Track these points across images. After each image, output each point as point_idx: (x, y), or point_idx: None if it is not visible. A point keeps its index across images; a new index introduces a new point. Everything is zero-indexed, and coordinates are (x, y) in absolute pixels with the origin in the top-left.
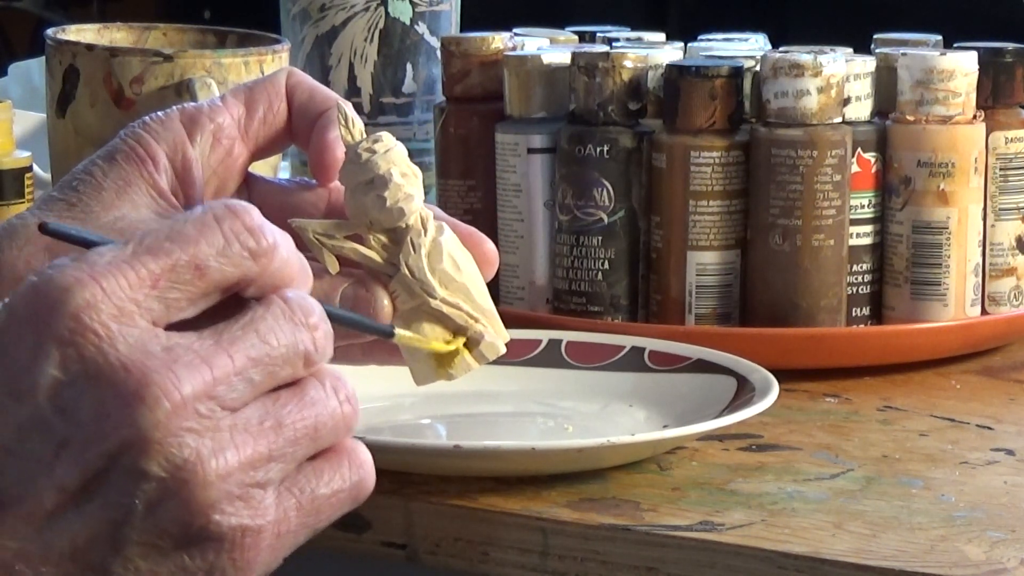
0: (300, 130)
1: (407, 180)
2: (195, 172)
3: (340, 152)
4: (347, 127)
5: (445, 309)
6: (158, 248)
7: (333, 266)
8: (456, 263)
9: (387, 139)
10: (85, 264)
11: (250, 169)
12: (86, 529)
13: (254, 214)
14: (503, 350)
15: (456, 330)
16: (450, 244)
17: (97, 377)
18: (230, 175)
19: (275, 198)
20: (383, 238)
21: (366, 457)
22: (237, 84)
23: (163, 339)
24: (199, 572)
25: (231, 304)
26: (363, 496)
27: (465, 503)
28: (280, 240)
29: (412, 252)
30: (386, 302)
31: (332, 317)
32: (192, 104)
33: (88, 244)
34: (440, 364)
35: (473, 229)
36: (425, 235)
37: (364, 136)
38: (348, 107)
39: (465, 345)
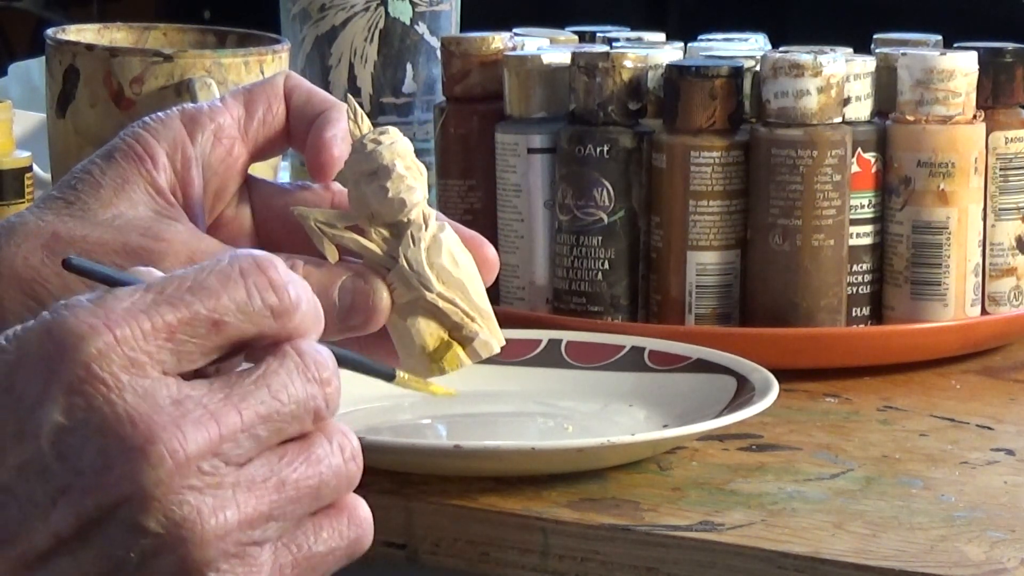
0: (297, 132)
1: (411, 173)
2: (194, 171)
3: (337, 151)
4: (355, 121)
5: (441, 304)
6: (178, 299)
7: (333, 255)
8: (455, 260)
9: (393, 132)
10: (101, 310)
11: (250, 171)
12: (78, 574)
13: (280, 269)
14: (497, 349)
15: (451, 327)
16: (450, 241)
17: (102, 428)
18: (230, 175)
19: (276, 200)
20: (384, 231)
21: (366, 514)
22: (237, 84)
23: (173, 391)
24: None
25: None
26: (360, 552)
27: (465, 503)
28: (303, 295)
29: (412, 245)
30: (384, 294)
31: (338, 360)
32: (192, 104)
33: (112, 282)
34: (432, 359)
35: (475, 233)
36: (426, 230)
37: (367, 124)
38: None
39: (459, 342)
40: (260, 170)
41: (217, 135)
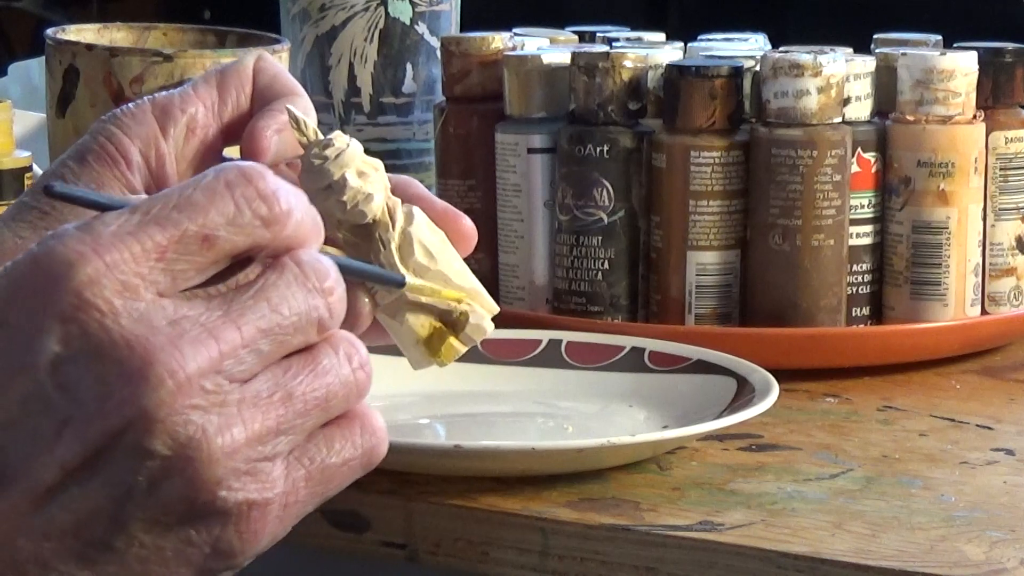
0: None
1: (364, 179)
2: (168, 168)
3: (265, 143)
4: (300, 129)
5: (423, 299)
6: (165, 218)
7: None
8: (429, 251)
9: (339, 140)
10: (89, 236)
11: (225, 153)
12: (88, 505)
13: (268, 178)
14: (490, 328)
15: (440, 314)
16: (420, 232)
17: (100, 354)
18: (204, 163)
19: None
20: (353, 236)
21: (379, 423)
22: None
23: (170, 311)
24: (204, 546)
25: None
26: (375, 462)
27: (465, 503)
28: (295, 203)
29: (382, 248)
30: (365, 299)
31: (344, 269)
32: (163, 94)
33: (98, 206)
34: (429, 350)
35: (447, 206)
36: (393, 228)
37: (318, 135)
38: (303, 106)
39: (452, 327)
40: (234, 153)
41: (190, 127)
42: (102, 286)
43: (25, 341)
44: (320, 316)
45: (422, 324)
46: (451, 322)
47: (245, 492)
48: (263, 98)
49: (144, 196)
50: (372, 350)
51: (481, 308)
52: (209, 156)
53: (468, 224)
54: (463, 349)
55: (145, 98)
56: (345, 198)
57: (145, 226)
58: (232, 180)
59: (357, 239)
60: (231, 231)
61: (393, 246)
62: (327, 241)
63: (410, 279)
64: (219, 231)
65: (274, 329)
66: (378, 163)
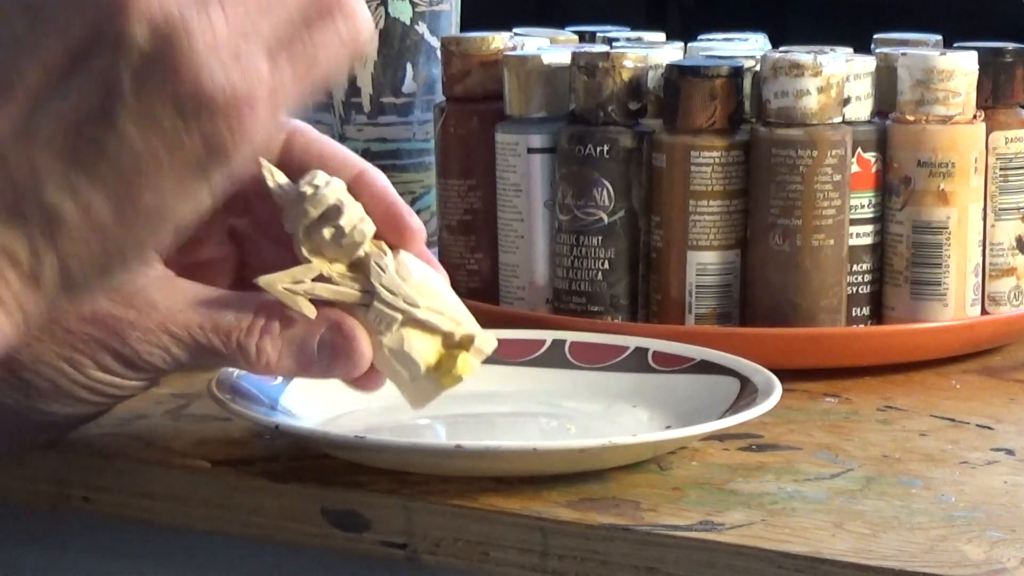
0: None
1: (357, 204)
2: None
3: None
4: (273, 177)
5: (433, 317)
6: None
7: (311, 311)
8: (424, 272)
9: (322, 173)
10: None
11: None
12: (75, 105)
13: None
14: (495, 343)
15: (444, 336)
16: (410, 257)
17: None
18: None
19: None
20: (346, 272)
21: (360, 8)
22: None
23: None
24: (196, 139)
25: None
26: (361, 43)
27: (465, 503)
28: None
29: (382, 272)
30: (363, 337)
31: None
32: None
33: None
34: (441, 374)
35: (395, 203)
36: (386, 255)
37: (285, 179)
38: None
39: (459, 348)
40: None
41: None
42: None
43: None
44: None
45: (429, 347)
46: (455, 344)
47: (230, 80)
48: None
49: None
50: None
51: (480, 335)
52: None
53: (414, 223)
54: (478, 362)
55: None
56: (343, 221)
57: None
58: None
59: (352, 272)
60: None
61: (392, 268)
62: (322, 280)
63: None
64: None
65: None
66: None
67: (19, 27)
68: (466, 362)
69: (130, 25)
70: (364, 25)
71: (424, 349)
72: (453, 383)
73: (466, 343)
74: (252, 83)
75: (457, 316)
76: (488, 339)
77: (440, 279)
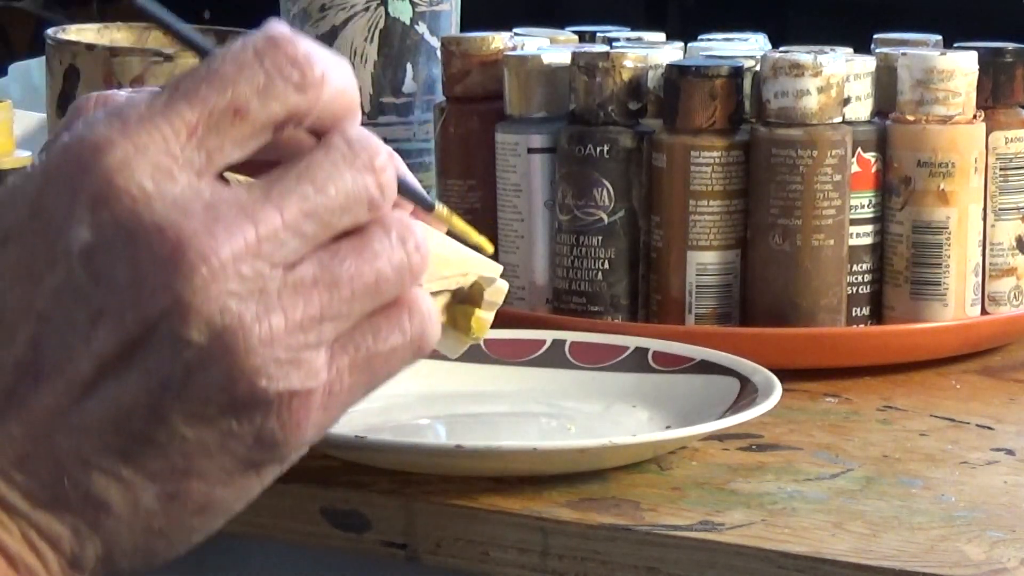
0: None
1: None
2: None
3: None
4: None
5: (436, 284)
6: (193, 94)
7: None
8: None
9: None
10: (117, 120)
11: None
12: (126, 398)
13: (299, 43)
14: (504, 286)
15: (454, 296)
16: None
17: (132, 241)
18: None
19: None
20: None
21: (428, 307)
22: None
23: (206, 194)
24: (247, 436)
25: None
26: (426, 349)
27: (465, 503)
28: (331, 69)
29: None
30: (430, 298)
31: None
32: None
33: (176, 33)
34: (459, 330)
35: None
36: None
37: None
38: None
39: (472, 302)
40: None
41: None
42: (132, 170)
43: (57, 230)
44: (370, 195)
45: (440, 312)
46: (466, 297)
47: (286, 381)
48: None
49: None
50: None
51: (488, 272)
52: None
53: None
54: (491, 316)
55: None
56: None
57: (173, 105)
58: (261, 48)
59: None
60: (263, 100)
61: None
62: None
63: (439, 205)
64: (251, 102)
65: (318, 210)
66: None
67: (78, 317)
68: (479, 321)
69: (189, 329)
70: (432, 327)
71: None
72: (475, 339)
73: (476, 296)
74: (307, 382)
75: (462, 266)
76: (498, 289)
77: (435, 234)
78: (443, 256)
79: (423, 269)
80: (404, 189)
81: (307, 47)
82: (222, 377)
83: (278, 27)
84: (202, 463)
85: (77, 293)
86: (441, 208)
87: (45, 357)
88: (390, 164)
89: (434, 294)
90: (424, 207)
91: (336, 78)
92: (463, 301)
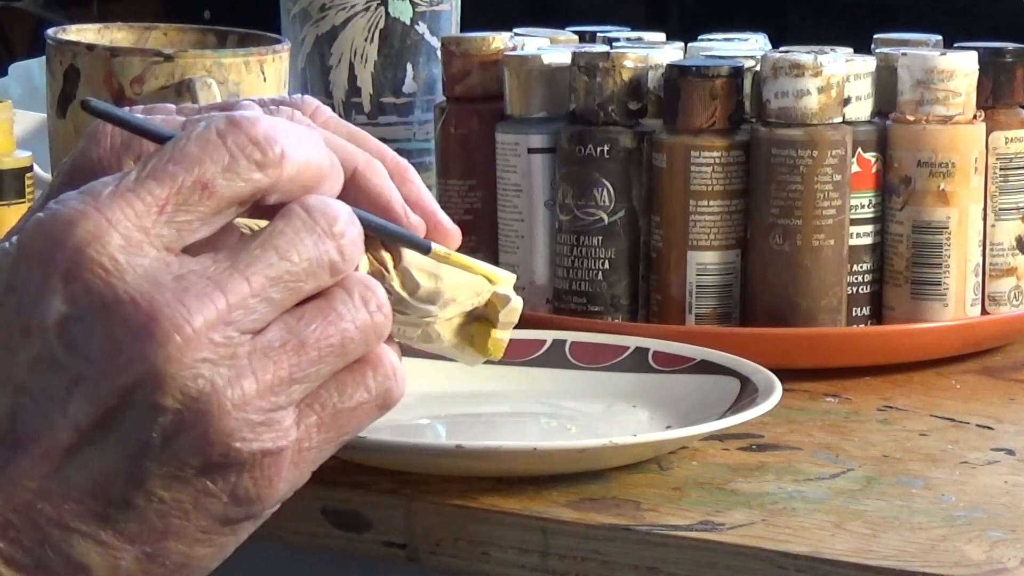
0: None
1: None
2: None
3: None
4: (248, 226)
5: (451, 309)
6: (162, 171)
7: None
8: (430, 272)
9: None
10: (89, 196)
11: None
12: (105, 465)
13: (260, 125)
14: (519, 302)
15: (470, 315)
16: (413, 259)
17: (106, 312)
18: None
19: None
20: None
21: (393, 364)
22: (238, 84)
23: (175, 267)
24: (223, 495)
25: (269, 212)
26: (391, 404)
27: (465, 503)
28: (291, 148)
29: (389, 294)
30: (395, 354)
31: (366, 225)
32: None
33: (130, 127)
34: (477, 350)
35: (428, 212)
36: (388, 272)
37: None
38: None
39: (488, 321)
40: None
41: None
42: (104, 243)
43: (32, 302)
44: (332, 259)
45: (456, 333)
46: (481, 314)
47: (259, 442)
48: None
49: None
50: None
51: (501, 288)
52: None
53: (449, 226)
54: (507, 336)
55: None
56: None
57: (143, 182)
58: (223, 129)
59: None
60: (228, 178)
61: (396, 285)
62: None
63: (435, 246)
64: (217, 179)
65: (283, 276)
66: None
67: (54, 387)
68: (496, 343)
69: (164, 396)
70: (397, 386)
71: (451, 336)
72: (492, 356)
73: (492, 312)
74: (279, 441)
75: (475, 286)
76: (513, 307)
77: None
78: (457, 283)
79: (387, 328)
80: (398, 237)
81: (267, 127)
82: (198, 440)
83: (243, 109)
84: (179, 523)
85: (53, 363)
86: (438, 249)
87: (24, 427)
88: (350, 227)
89: (450, 320)
90: (421, 251)
91: (297, 155)
92: (478, 318)
